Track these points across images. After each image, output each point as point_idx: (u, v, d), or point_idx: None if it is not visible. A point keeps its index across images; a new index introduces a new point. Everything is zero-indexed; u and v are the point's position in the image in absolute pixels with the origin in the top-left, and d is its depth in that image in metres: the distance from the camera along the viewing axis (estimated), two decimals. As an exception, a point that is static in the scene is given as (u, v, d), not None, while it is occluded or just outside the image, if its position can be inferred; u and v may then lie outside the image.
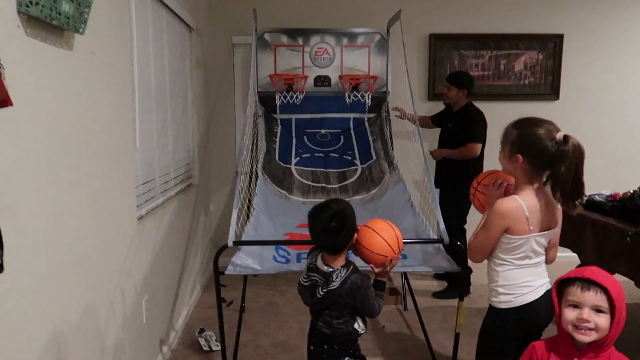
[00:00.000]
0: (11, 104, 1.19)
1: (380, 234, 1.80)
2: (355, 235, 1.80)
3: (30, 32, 1.39)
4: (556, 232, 1.79)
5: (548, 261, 1.83)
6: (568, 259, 3.53)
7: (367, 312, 1.83)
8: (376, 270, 1.83)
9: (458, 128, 3.62)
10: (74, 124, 1.68)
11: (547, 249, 1.80)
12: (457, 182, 3.50)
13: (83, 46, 1.74)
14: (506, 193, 1.79)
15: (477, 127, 3.57)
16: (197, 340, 2.98)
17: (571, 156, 1.58)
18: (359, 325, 1.84)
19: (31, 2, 1.33)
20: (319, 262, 1.82)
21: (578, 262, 3.17)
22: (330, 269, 1.78)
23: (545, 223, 1.72)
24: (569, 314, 1.35)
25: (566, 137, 1.60)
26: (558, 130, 1.64)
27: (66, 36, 1.62)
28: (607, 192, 2.94)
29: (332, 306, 1.80)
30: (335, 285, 1.76)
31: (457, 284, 3.70)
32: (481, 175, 2.00)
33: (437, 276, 4.12)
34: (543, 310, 1.73)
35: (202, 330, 3.02)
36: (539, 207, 1.68)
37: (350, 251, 1.86)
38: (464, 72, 3.91)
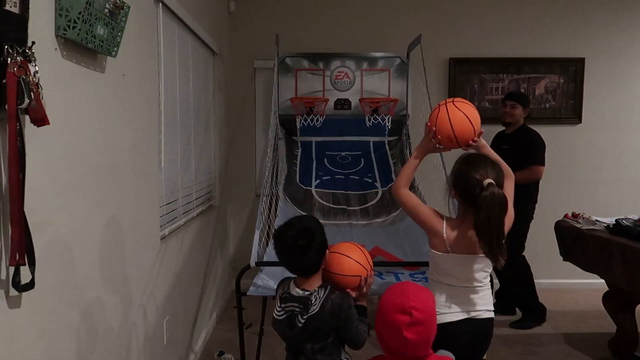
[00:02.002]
0: (48, 123, 1.23)
1: (347, 255, 1.71)
2: (324, 261, 1.66)
3: (66, 54, 1.44)
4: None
5: None
6: (595, 285, 3.46)
7: (351, 339, 1.65)
8: (354, 294, 1.70)
9: (516, 150, 3.44)
10: (104, 144, 1.72)
11: None
12: (515, 206, 3.37)
13: (114, 68, 1.79)
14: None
15: (539, 149, 3.47)
16: (216, 363, 2.95)
17: (489, 204, 1.60)
18: (346, 355, 1.69)
19: (69, 26, 1.38)
20: (293, 289, 1.66)
21: (605, 288, 3.09)
22: (307, 292, 1.63)
23: (475, 248, 1.70)
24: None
25: (488, 185, 1.62)
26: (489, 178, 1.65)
27: (99, 59, 1.67)
28: (635, 217, 2.87)
29: (315, 336, 1.63)
30: (315, 308, 1.59)
31: (532, 312, 3.57)
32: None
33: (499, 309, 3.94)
34: (466, 334, 1.74)
35: (221, 353, 3.00)
36: (462, 236, 1.72)
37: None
38: (523, 92, 3.85)
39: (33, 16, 1.23)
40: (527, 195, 3.49)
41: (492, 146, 3.69)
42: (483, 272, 1.77)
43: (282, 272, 2.30)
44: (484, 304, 1.79)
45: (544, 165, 3.47)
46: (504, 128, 3.69)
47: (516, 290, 3.65)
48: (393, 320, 1.34)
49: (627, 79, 4.39)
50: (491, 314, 1.81)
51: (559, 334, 3.44)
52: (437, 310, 1.67)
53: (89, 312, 1.62)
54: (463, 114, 1.81)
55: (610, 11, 4.33)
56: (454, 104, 1.83)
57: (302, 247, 1.60)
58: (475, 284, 1.77)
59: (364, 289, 1.71)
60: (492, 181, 1.64)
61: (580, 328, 3.53)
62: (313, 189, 3.44)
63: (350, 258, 1.70)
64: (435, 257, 1.78)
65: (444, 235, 1.72)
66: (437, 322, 1.63)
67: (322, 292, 1.63)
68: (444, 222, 1.75)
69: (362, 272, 1.71)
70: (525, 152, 3.46)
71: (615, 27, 4.34)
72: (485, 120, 4.70)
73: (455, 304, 1.76)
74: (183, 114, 2.88)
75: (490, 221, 1.61)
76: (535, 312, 3.58)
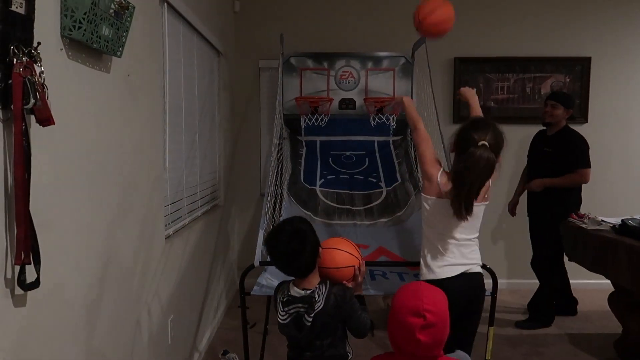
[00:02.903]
0: (53, 123, 1.23)
1: (338, 247, 1.77)
2: (319, 259, 1.70)
3: (71, 54, 1.45)
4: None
5: None
6: (601, 285, 3.44)
7: (357, 328, 1.69)
8: (350, 285, 1.75)
9: (560, 152, 3.41)
10: (109, 144, 1.72)
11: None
12: (558, 210, 3.28)
13: (119, 69, 1.79)
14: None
15: (585, 151, 3.40)
16: (220, 362, 2.96)
17: (474, 160, 1.72)
18: (349, 347, 1.75)
19: (74, 27, 1.38)
20: (293, 291, 1.69)
21: (611, 288, 3.08)
22: (309, 291, 1.66)
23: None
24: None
25: (481, 145, 1.74)
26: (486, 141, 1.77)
27: (104, 59, 1.67)
28: (641, 217, 2.86)
29: (324, 332, 1.66)
30: (320, 304, 1.63)
31: (542, 314, 3.55)
32: None
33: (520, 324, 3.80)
34: (462, 289, 1.88)
35: (225, 352, 3.00)
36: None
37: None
38: (567, 92, 3.81)
39: (39, 17, 1.24)
40: (572, 198, 3.45)
41: (532, 147, 3.76)
42: (472, 228, 1.94)
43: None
44: (474, 258, 1.96)
45: (590, 167, 3.39)
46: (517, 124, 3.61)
47: (541, 288, 3.60)
48: (406, 322, 1.34)
49: (633, 78, 4.36)
50: (480, 269, 1.99)
51: (564, 335, 3.43)
52: (433, 266, 1.92)
53: (93, 311, 1.63)
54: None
55: (616, 10, 4.30)
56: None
57: (296, 250, 1.63)
58: (464, 236, 1.93)
59: (359, 278, 1.76)
60: (485, 143, 1.75)
61: (585, 329, 3.51)
62: (317, 188, 3.44)
63: (341, 250, 1.75)
64: (427, 202, 1.93)
65: (438, 179, 1.88)
66: (436, 278, 1.86)
67: (324, 288, 1.67)
68: (440, 169, 1.91)
69: (355, 261, 1.76)
70: (569, 155, 3.40)
71: (622, 26, 4.31)
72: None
73: (450, 258, 1.91)
74: (188, 113, 2.89)
75: (469, 174, 1.73)
76: (544, 316, 3.55)
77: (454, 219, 1.85)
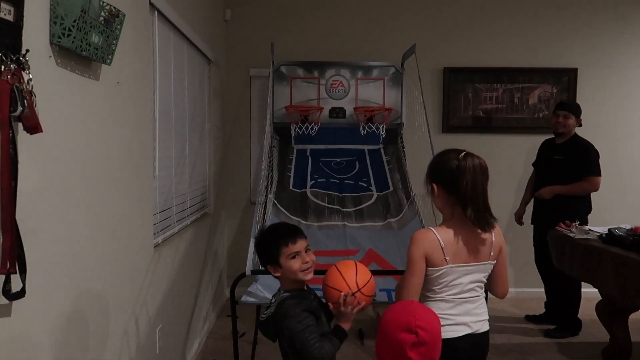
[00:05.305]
0: (41, 131, 1.22)
1: (339, 268, 1.66)
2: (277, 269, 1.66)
3: (60, 62, 1.44)
4: (495, 267, 1.72)
5: (499, 296, 1.80)
6: (588, 294, 3.46)
7: (301, 350, 1.53)
8: (331, 308, 1.64)
9: (570, 160, 3.44)
10: (97, 152, 1.71)
11: (492, 285, 1.76)
12: (568, 218, 3.25)
13: (109, 76, 1.79)
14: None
15: (595, 159, 3.42)
16: (208, 372, 2.93)
17: (470, 169, 1.57)
18: None
19: (63, 34, 1.38)
20: None
21: (599, 297, 3.10)
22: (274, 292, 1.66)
23: (471, 256, 1.64)
24: None
25: (466, 155, 1.61)
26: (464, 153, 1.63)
27: (94, 66, 1.67)
28: (627, 226, 2.89)
29: (281, 349, 1.58)
30: (270, 311, 1.56)
31: (571, 324, 3.54)
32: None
33: (528, 318, 3.87)
34: (467, 350, 1.65)
35: (214, 362, 2.98)
36: (457, 239, 1.63)
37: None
38: (575, 102, 3.85)
39: (27, 24, 1.24)
40: (582, 206, 3.47)
41: (541, 155, 3.79)
42: (479, 283, 1.71)
43: (278, 283, 2.31)
44: (481, 314, 1.73)
45: (600, 175, 3.42)
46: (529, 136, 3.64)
47: (562, 299, 3.60)
48: (397, 339, 1.27)
49: (619, 89, 4.43)
50: (487, 326, 1.76)
51: (552, 343, 3.44)
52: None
53: (80, 321, 1.60)
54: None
55: (603, 22, 4.38)
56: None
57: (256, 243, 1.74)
58: (473, 294, 1.70)
59: (342, 308, 1.61)
60: (468, 152, 1.62)
61: (573, 337, 3.53)
62: (308, 190, 3.44)
63: (338, 271, 1.65)
64: (432, 277, 1.64)
65: (440, 242, 1.61)
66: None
67: (284, 295, 1.61)
68: (434, 231, 1.63)
69: (343, 288, 1.61)
70: (580, 162, 3.42)
71: (608, 39, 4.39)
72: (479, 129, 4.76)
73: (455, 317, 1.67)
74: (178, 121, 2.88)
75: (475, 184, 1.57)
76: (573, 324, 3.55)
77: (460, 281, 1.65)
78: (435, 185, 1.66)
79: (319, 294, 1.73)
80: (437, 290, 1.66)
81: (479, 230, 1.63)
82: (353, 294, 1.60)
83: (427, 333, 1.26)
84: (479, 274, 1.68)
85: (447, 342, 1.56)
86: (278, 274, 1.65)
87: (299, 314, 1.55)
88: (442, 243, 1.60)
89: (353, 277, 1.63)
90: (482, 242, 1.65)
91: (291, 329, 1.54)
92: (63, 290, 1.49)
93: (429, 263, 1.62)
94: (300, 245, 1.63)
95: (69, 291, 1.53)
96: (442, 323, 1.56)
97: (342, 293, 1.60)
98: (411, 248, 1.64)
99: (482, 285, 1.73)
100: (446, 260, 1.61)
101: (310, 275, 1.64)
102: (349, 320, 1.64)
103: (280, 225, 1.82)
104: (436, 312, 1.56)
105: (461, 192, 1.59)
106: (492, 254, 1.68)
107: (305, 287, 1.69)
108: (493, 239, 1.67)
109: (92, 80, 1.67)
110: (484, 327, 1.73)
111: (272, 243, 1.65)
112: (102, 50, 1.60)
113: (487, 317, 1.76)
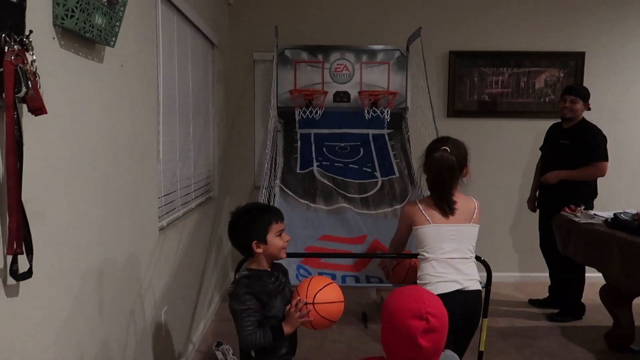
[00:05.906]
0: (45, 112, 1.22)
1: (312, 279, 1.83)
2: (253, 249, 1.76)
3: (64, 43, 1.43)
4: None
5: None
6: (592, 278, 3.47)
7: (237, 333, 1.68)
8: (287, 307, 1.75)
9: (577, 145, 3.41)
10: (101, 134, 1.71)
11: None
12: (573, 202, 3.24)
13: (113, 58, 1.78)
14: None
15: (602, 144, 3.39)
16: (214, 354, 2.96)
17: (437, 163, 1.95)
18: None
19: (66, 15, 1.37)
20: None
21: (602, 282, 3.11)
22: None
23: (450, 219, 1.99)
24: None
25: (443, 149, 1.95)
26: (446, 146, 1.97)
27: (97, 48, 1.66)
28: (633, 211, 2.88)
29: None
30: (231, 287, 1.74)
31: (574, 308, 3.56)
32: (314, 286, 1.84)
33: (532, 302, 3.90)
34: (458, 306, 1.84)
35: (219, 344, 3.00)
36: (435, 205, 2.01)
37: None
38: (583, 86, 3.81)
39: (31, 5, 1.23)
40: (588, 190, 3.46)
41: (548, 140, 3.77)
42: (467, 245, 2.00)
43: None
44: (471, 274, 1.97)
45: (607, 160, 3.38)
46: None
47: (566, 283, 3.61)
48: (407, 325, 1.22)
49: (627, 74, 4.38)
50: (478, 285, 1.99)
51: (555, 327, 3.46)
52: (429, 280, 1.93)
53: (86, 302, 1.62)
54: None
55: (611, 5, 4.31)
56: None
57: (229, 231, 1.84)
58: (461, 255, 1.97)
59: (292, 309, 1.72)
60: (446, 147, 1.95)
61: (577, 321, 3.54)
62: (315, 168, 3.42)
63: (309, 280, 1.81)
64: (419, 234, 2.02)
65: (420, 208, 2.01)
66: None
67: (241, 273, 1.77)
68: (417, 203, 2.05)
69: (302, 295, 1.75)
70: (587, 147, 3.39)
71: (616, 22, 4.32)
72: (484, 114, 4.73)
73: (446, 274, 1.94)
74: (182, 105, 2.87)
75: (437, 178, 1.96)
76: (576, 309, 3.56)
77: (447, 242, 1.97)
78: (424, 166, 2.05)
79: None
80: (429, 250, 1.99)
81: (454, 199, 2.00)
82: (306, 304, 1.73)
83: (437, 319, 1.24)
84: (463, 237, 1.99)
85: (439, 297, 1.65)
86: (260, 250, 1.74)
87: (241, 295, 1.67)
88: (421, 208, 2.02)
89: (314, 291, 1.76)
90: (460, 208, 2.01)
91: (232, 308, 1.69)
92: (69, 271, 1.50)
93: (414, 224, 2.04)
94: (283, 224, 1.80)
95: (75, 272, 1.54)
96: (434, 280, 1.94)
97: (298, 298, 1.74)
98: (400, 217, 2.17)
99: (471, 249, 2.02)
100: (427, 220, 1.99)
101: (285, 255, 1.80)
102: (292, 325, 1.73)
103: (261, 204, 2.01)
104: (429, 271, 1.97)
105: (428, 178, 2.02)
106: (474, 217, 2.02)
107: (269, 268, 1.79)
108: (475, 205, 2.03)
109: (96, 62, 1.66)
110: (474, 285, 1.97)
111: (264, 219, 1.75)
112: (105, 32, 1.59)
113: (478, 278, 2.01)
